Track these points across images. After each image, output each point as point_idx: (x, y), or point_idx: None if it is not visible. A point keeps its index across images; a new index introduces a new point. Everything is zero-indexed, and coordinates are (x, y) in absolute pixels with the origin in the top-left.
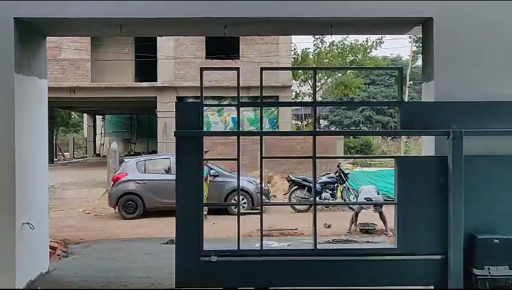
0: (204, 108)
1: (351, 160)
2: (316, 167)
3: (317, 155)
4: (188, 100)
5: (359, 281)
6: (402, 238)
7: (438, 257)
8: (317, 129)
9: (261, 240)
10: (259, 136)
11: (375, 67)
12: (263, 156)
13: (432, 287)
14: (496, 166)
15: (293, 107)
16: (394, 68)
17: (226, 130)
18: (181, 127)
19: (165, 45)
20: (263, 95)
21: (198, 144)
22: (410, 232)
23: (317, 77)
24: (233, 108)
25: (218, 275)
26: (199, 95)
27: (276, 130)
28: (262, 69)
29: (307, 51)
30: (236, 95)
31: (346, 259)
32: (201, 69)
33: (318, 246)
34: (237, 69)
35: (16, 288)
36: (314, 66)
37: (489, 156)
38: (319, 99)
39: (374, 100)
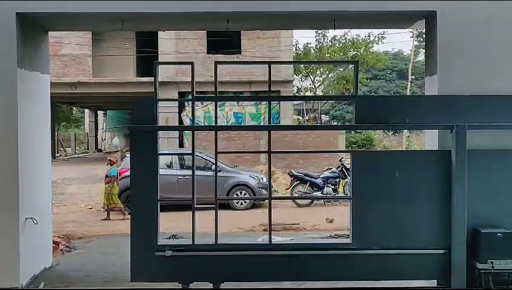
0: (205, 103)
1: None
2: (270, 162)
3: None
4: (189, 96)
5: (317, 276)
6: (357, 233)
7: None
8: (319, 124)
9: (216, 235)
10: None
11: (331, 61)
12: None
13: (435, 281)
14: (498, 160)
15: (294, 102)
16: (350, 62)
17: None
18: (136, 123)
19: (166, 40)
20: (265, 89)
21: (153, 139)
22: (365, 227)
23: (318, 72)
24: (235, 103)
25: (173, 270)
26: (201, 90)
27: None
28: (216, 63)
29: (309, 45)
30: (238, 90)
31: (301, 253)
32: (155, 63)
33: (317, 241)
34: (191, 63)
35: (20, 284)
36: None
37: (492, 150)
38: (320, 93)
39: (330, 94)
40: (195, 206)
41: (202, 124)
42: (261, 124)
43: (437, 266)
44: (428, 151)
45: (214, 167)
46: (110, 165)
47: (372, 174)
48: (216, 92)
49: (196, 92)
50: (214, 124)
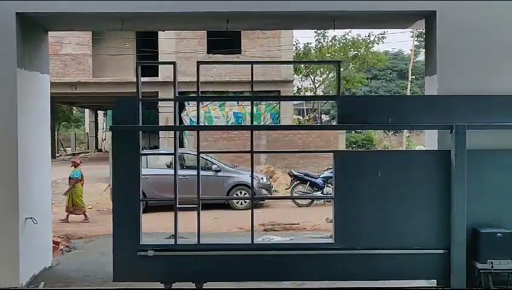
0: (205, 103)
1: None
2: (253, 161)
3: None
4: (189, 95)
5: (299, 275)
6: (339, 233)
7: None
8: (318, 124)
9: (198, 234)
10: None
11: (313, 61)
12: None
13: (435, 281)
14: (498, 160)
15: (295, 102)
16: (333, 62)
17: (228, 124)
18: (117, 122)
19: (167, 40)
20: (265, 89)
21: (135, 139)
22: (347, 227)
23: (319, 72)
24: (236, 103)
25: (156, 270)
26: (201, 90)
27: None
28: (198, 63)
29: (309, 45)
30: (238, 90)
31: (283, 253)
32: (138, 64)
33: (315, 241)
34: (173, 63)
35: (20, 284)
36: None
37: (493, 150)
38: (320, 93)
39: (312, 94)
40: (178, 206)
41: (202, 124)
42: (261, 123)
43: (437, 266)
44: (411, 151)
45: (213, 166)
46: (74, 167)
47: (356, 174)
48: (198, 92)
49: (196, 91)
50: (197, 124)
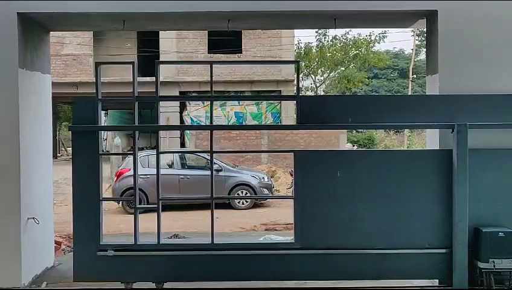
0: (206, 102)
1: None
2: (212, 161)
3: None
4: (191, 94)
5: (261, 275)
6: (300, 233)
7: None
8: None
9: (158, 234)
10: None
11: (274, 61)
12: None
13: (437, 280)
14: (500, 159)
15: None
16: (292, 62)
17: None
18: (77, 122)
19: (168, 40)
20: (266, 89)
21: (94, 139)
22: (307, 227)
23: (320, 71)
24: (237, 103)
25: (116, 270)
26: (202, 90)
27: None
28: (158, 63)
29: (310, 45)
30: (239, 90)
31: (244, 253)
32: (97, 64)
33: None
34: (132, 63)
35: (22, 284)
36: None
37: (493, 149)
38: (322, 93)
39: (272, 94)
40: (138, 206)
41: (203, 124)
42: (262, 123)
43: (439, 265)
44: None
45: (214, 166)
46: None
47: (316, 173)
48: (157, 92)
49: (197, 91)
50: (157, 124)
